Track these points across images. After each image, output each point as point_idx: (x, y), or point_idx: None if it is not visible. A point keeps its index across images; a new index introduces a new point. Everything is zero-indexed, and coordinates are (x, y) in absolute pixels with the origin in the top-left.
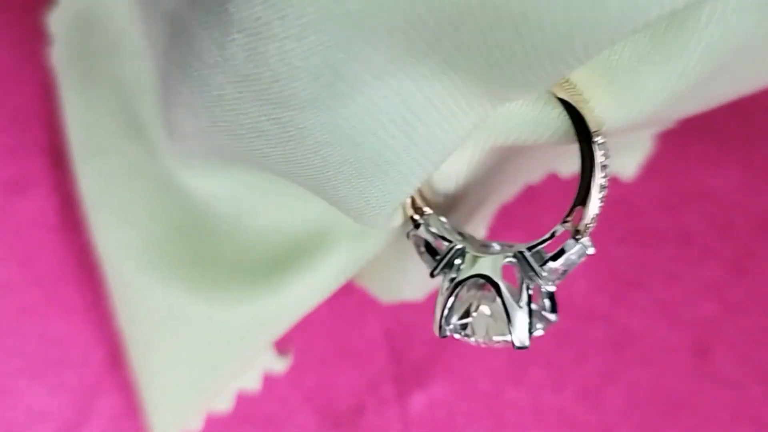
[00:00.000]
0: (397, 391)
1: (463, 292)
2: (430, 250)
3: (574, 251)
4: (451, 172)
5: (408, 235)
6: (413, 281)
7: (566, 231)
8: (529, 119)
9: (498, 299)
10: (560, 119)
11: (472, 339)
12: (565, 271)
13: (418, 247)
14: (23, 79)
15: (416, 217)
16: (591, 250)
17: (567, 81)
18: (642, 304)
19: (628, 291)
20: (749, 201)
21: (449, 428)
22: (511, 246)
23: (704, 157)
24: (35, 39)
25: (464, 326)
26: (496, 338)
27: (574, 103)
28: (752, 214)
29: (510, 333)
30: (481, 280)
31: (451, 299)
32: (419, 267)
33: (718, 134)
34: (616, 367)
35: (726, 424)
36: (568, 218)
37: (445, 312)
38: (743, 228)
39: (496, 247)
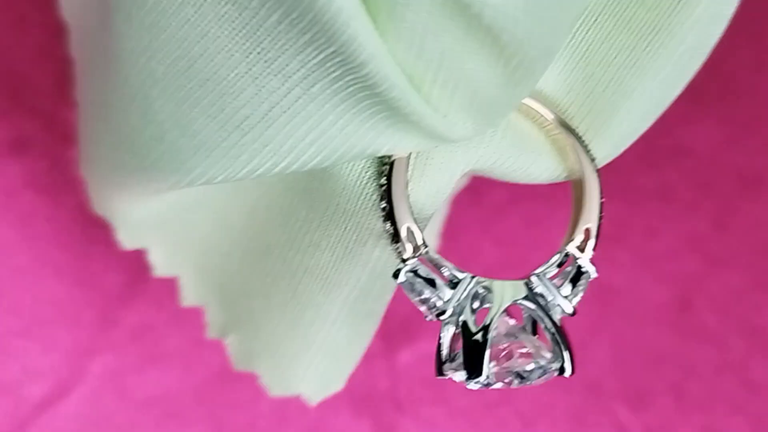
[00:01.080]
0: (385, 346)
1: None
2: (431, 284)
3: (585, 274)
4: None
5: (397, 275)
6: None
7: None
8: (525, 148)
9: (529, 328)
10: (558, 153)
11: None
12: (577, 294)
13: (411, 286)
14: (16, 42)
15: (408, 255)
16: (595, 274)
17: (561, 121)
18: (624, 260)
19: (610, 247)
20: (728, 157)
21: (436, 383)
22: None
23: (682, 114)
24: (29, 1)
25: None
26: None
27: (569, 139)
28: (731, 169)
29: (563, 360)
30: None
31: (490, 335)
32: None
33: (695, 91)
34: (599, 322)
35: (709, 377)
36: (573, 237)
37: (487, 355)
38: (723, 183)
39: (497, 281)
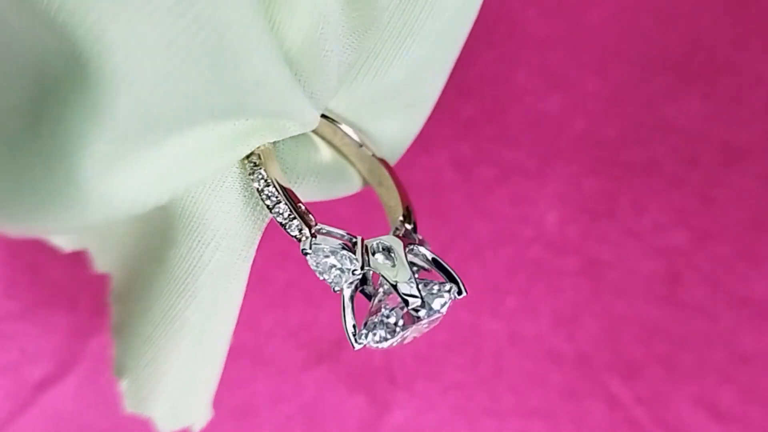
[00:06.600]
0: None
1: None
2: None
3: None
4: None
5: (307, 248)
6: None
7: None
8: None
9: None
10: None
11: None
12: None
13: (317, 258)
14: None
15: (312, 225)
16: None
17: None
18: (613, 235)
19: (598, 222)
20: (712, 131)
21: (430, 358)
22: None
23: (667, 90)
24: None
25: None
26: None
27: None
28: (716, 143)
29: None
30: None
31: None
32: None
33: (679, 67)
34: (589, 297)
35: (699, 350)
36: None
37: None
38: (708, 158)
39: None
